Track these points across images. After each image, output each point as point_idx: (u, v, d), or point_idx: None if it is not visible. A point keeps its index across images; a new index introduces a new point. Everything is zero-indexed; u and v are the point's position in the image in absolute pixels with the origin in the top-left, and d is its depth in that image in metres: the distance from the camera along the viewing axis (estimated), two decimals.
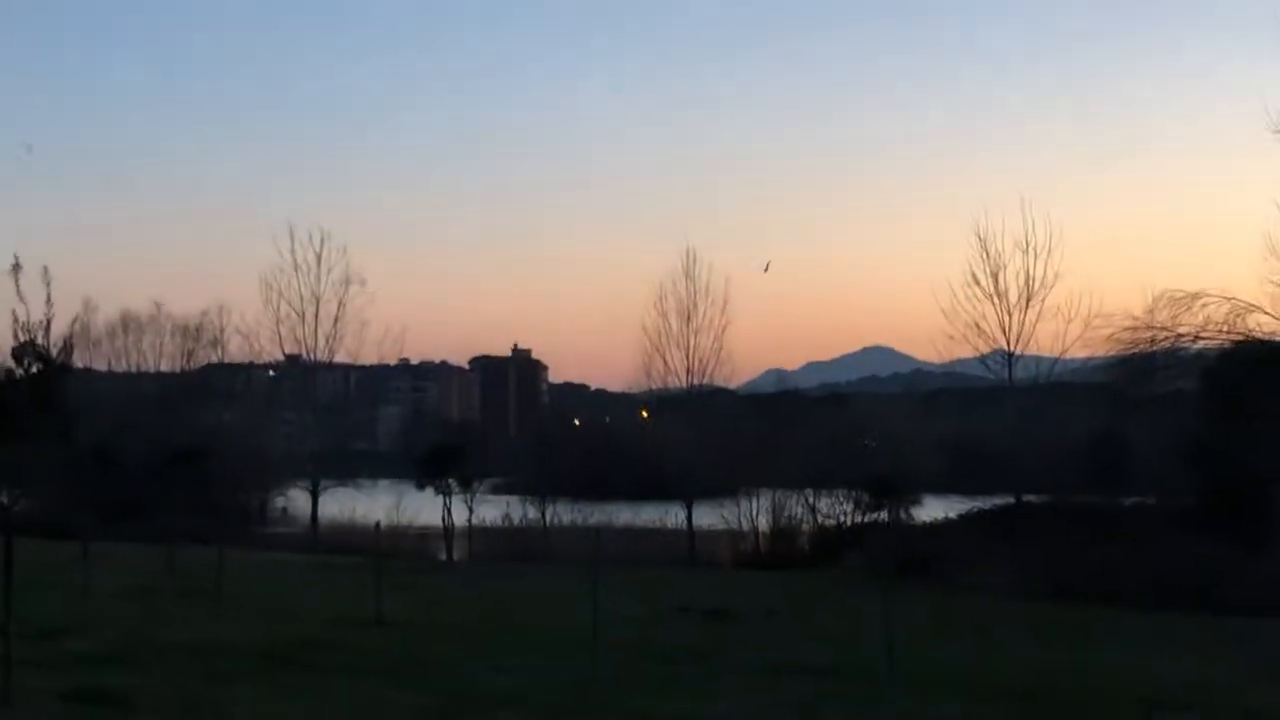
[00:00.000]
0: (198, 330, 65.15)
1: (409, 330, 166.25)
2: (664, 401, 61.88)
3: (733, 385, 61.16)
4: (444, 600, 28.24)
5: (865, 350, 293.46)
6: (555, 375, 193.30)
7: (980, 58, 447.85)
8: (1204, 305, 29.13)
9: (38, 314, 13.34)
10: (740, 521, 51.52)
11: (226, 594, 22.69)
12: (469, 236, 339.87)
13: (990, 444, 48.78)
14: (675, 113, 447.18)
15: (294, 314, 57.24)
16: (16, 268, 12.08)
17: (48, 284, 13.44)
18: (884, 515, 45.32)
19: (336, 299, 57.06)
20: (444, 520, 44.24)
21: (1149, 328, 30.79)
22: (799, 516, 50.96)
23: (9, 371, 12.36)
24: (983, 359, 46.19)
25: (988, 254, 44.74)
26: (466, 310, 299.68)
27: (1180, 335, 29.85)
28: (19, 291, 13.40)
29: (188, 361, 65.88)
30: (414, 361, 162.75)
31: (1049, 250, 44.14)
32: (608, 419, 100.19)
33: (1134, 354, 34.13)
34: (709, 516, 52.59)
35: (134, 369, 65.19)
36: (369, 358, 62.58)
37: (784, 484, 51.27)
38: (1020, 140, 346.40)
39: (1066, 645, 22.57)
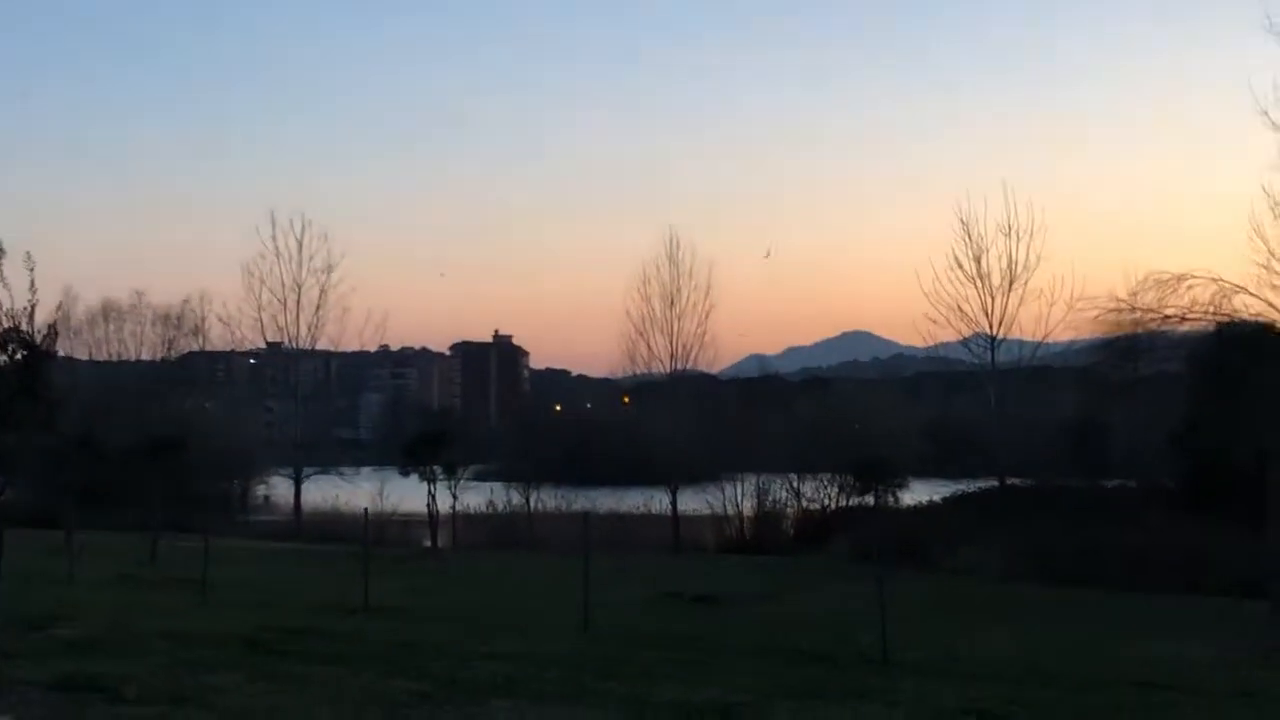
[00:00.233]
0: (179, 318, 64.96)
1: (390, 317, 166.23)
2: (645, 387, 61.78)
3: (714, 371, 61.08)
4: (431, 587, 28.15)
5: (844, 335, 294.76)
6: (536, 361, 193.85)
7: (962, 43, 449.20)
8: (1190, 287, 29.05)
9: (21, 300, 13.12)
10: (725, 506, 51.50)
11: (211, 582, 22.52)
12: (449, 222, 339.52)
13: (973, 428, 48.88)
14: (659, 98, 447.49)
15: (275, 301, 57.20)
16: None
17: (31, 270, 13.25)
18: (869, 499, 45.30)
19: (318, 285, 56.97)
20: (429, 507, 44.07)
21: (1134, 310, 30.70)
22: (783, 501, 51.03)
23: None
24: (965, 342, 46.12)
25: (970, 237, 44.88)
26: (447, 296, 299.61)
27: (1166, 317, 29.77)
28: (1, 277, 13.19)
29: (169, 350, 65.62)
30: (395, 348, 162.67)
31: (1031, 233, 44.36)
32: (589, 405, 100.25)
33: (1118, 336, 34.07)
34: (693, 501, 52.52)
35: (115, 358, 64.87)
36: (350, 344, 62.74)
37: (768, 468, 51.29)
38: (1003, 123, 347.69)
39: (1056, 627, 22.65)
